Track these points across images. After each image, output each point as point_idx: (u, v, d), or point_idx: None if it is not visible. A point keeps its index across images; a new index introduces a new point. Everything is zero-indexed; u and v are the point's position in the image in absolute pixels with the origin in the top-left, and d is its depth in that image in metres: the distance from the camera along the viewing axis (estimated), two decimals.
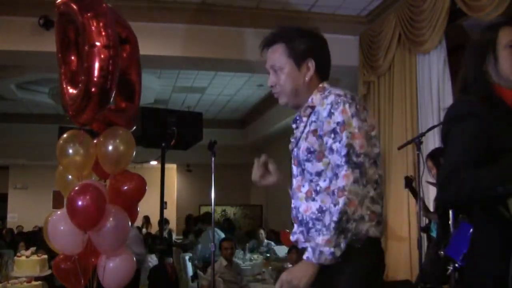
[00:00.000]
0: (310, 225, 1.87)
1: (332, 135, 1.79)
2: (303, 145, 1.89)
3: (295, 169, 1.96)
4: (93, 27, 2.99)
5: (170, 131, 4.50)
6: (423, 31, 4.83)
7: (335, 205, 1.72)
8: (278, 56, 1.95)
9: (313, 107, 1.91)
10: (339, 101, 1.81)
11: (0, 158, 12.25)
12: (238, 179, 13.27)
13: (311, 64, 1.93)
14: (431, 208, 4.40)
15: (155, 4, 5.54)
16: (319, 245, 1.71)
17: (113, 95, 3.15)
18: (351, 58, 5.99)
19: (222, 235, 8.27)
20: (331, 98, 1.83)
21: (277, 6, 5.68)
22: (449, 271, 3.40)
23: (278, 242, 8.42)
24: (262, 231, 8.90)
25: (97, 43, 2.97)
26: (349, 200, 1.71)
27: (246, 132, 12.01)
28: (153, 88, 8.82)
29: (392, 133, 5.43)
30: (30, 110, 10.47)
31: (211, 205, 4.01)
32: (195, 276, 7.07)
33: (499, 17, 3.95)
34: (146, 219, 11.98)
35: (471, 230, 3.12)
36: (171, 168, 13.70)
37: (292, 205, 1.98)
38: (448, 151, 1.70)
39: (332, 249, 1.70)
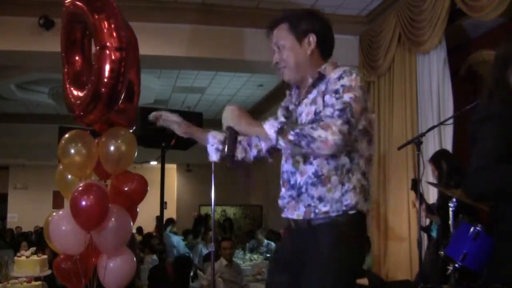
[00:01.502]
0: (303, 189, 1.90)
1: (334, 94, 1.83)
2: (310, 109, 1.93)
3: None
4: (104, 29, 2.99)
5: (170, 131, 4.48)
6: (423, 31, 4.83)
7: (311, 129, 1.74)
8: (281, 33, 2.03)
9: (323, 75, 1.96)
10: (352, 71, 1.89)
11: (0, 158, 12.25)
12: (238, 179, 13.25)
13: (312, 39, 2.00)
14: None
15: (155, 4, 5.54)
16: (274, 126, 1.80)
17: (122, 97, 3.15)
18: (351, 58, 5.99)
19: (175, 240, 8.18)
20: (345, 68, 1.91)
21: (277, 6, 5.67)
22: (449, 271, 3.40)
23: (278, 242, 8.41)
24: (259, 232, 8.91)
25: (108, 44, 2.97)
26: (322, 140, 1.72)
27: None
28: (153, 88, 8.81)
29: (392, 133, 5.43)
30: (30, 110, 10.46)
31: (211, 205, 4.01)
32: (195, 276, 7.07)
33: None
34: (159, 220, 11.91)
35: (472, 229, 3.12)
36: (171, 168, 13.69)
37: (284, 169, 2.01)
38: (476, 150, 1.80)
39: (295, 138, 1.74)
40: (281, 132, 1.76)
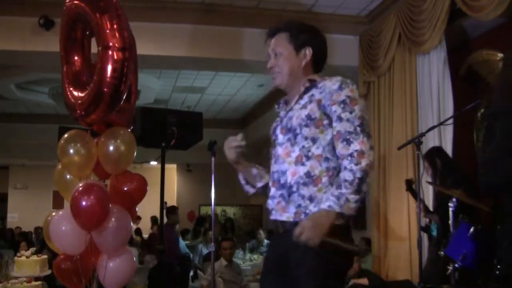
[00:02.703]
0: (294, 188, 1.97)
1: (342, 105, 1.94)
2: (301, 112, 2.01)
3: (281, 138, 2.08)
4: (107, 29, 2.98)
5: (170, 131, 4.47)
6: (423, 31, 4.83)
7: (356, 164, 1.84)
8: (280, 41, 2.14)
9: (312, 82, 2.06)
10: (348, 82, 2.00)
11: (0, 158, 12.25)
12: (238, 179, 13.25)
13: (309, 51, 2.11)
14: (431, 208, 4.40)
15: (155, 4, 5.55)
16: (344, 194, 1.81)
17: (124, 97, 3.15)
18: (351, 58, 5.99)
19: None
20: (339, 78, 2.02)
21: (277, 6, 5.69)
22: (449, 271, 3.40)
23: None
24: (261, 231, 8.90)
25: (111, 45, 2.97)
26: (370, 162, 1.86)
27: (246, 132, 12.00)
28: (153, 88, 8.81)
29: (392, 133, 5.43)
30: (30, 110, 10.46)
31: (211, 205, 4.00)
32: (195, 276, 7.08)
33: None
34: (154, 220, 11.90)
35: (472, 229, 3.12)
36: (171, 168, 13.69)
37: (274, 170, 2.08)
38: (488, 143, 1.84)
39: (357, 197, 1.82)
40: (343, 206, 1.83)
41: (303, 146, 1.98)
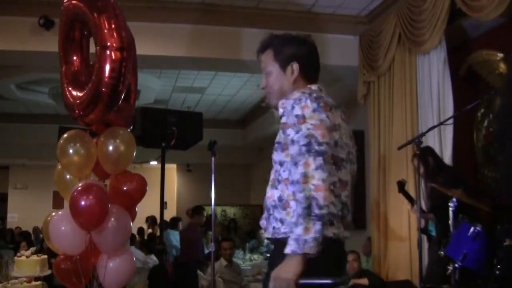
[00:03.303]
0: (271, 211, 1.98)
1: (294, 128, 1.86)
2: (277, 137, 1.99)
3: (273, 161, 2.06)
4: (105, 29, 2.99)
5: (170, 131, 4.48)
6: (423, 31, 4.83)
7: (300, 192, 1.78)
8: (267, 59, 2.11)
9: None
10: (301, 97, 1.90)
11: (0, 158, 12.25)
12: (238, 179, 13.28)
13: (295, 67, 2.05)
14: (424, 208, 4.40)
15: (155, 4, 5.54)
16: (301, 236, 1.76)
17: (122, 97, 3.15)
18: (351, 58, 5.99)
19: (174, 239, 8.14)
20: (297, 94, 1.93)
21: (277, 6, 5.68)
22: (449, 271, 3.40)
23: None
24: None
25: (109, 44, 2.97)
26: (314, 186, 1.77)
27: (246, 132, 12.01)
28: (153, 88, 8.81)
29: (392, 133, 5.42)
30: (30, 110, 10.46)
31: (211, 205, 4.01)
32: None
33: None
34: (153, 220, 11.90)
35: (472, 229, 3.12)
36: (171, 168, 13.69)
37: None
38: (509, 148, 1.76)
39: (313, 235, 1.76)
40: (304, 248, 1.76)
41: (276, 170, 1.97)
